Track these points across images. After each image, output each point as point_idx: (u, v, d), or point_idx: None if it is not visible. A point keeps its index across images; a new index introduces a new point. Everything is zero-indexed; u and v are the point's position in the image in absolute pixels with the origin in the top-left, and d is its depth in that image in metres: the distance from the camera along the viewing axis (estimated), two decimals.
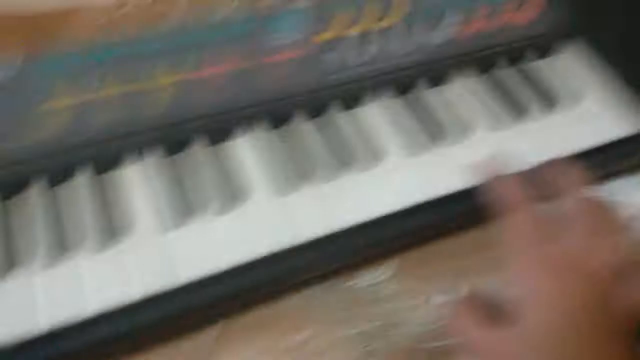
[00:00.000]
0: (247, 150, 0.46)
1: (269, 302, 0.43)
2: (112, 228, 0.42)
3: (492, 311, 0.38)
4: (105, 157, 0.45)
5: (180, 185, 0.44)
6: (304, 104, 0.48)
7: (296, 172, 0.45)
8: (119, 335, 0.38)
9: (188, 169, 0.45)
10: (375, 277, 0.45)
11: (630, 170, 0.53)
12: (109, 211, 0.43)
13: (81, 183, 0.44)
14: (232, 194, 0.44)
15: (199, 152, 0.46)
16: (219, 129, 0.47)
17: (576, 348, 0.34)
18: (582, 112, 0.51)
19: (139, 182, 0.45)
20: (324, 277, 0.44)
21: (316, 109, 0.49)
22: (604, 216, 0.39)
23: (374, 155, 0.47)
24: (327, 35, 0.49)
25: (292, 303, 0.43)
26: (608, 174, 0.52)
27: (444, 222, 0.46)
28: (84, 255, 0.41)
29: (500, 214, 0.39)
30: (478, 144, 0.48)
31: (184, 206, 0.43)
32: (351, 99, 0.50)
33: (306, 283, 0.44)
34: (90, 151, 0.44)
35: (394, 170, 0.46)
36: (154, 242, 0.41)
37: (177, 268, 0.40)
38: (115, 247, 0.41)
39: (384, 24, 0.51)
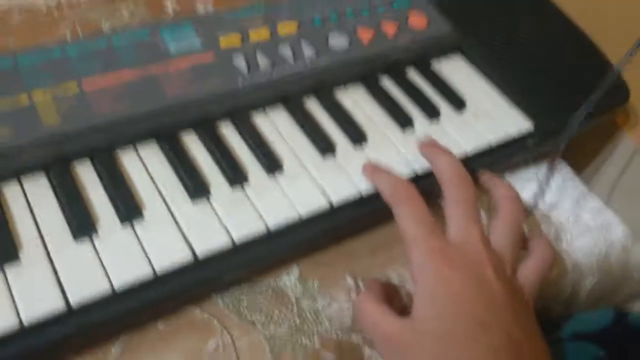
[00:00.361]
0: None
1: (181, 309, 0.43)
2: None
3: (397, 302, 0.41)
4: None
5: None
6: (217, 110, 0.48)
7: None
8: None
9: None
10: (287, 279, 0.46)
11: (522, 164, 0.59)
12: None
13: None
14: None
15: None
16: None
17: (463, 339, 0.35)
18: (478, 113, 0.55)
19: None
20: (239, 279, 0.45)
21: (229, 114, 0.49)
22: (472, 205, 0.41)
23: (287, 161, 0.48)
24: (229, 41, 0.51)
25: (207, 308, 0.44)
26: (503, 169, 0.57)
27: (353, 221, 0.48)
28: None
29: (392, 209, 0.41)
30: (387, 145, 0.51)
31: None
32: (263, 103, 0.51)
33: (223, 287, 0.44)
34: None
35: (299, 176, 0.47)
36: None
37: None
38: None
39: (284, 31, 0.53)
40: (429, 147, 0.47)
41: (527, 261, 0.41)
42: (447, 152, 0.46)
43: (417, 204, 0.41)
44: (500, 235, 0.41)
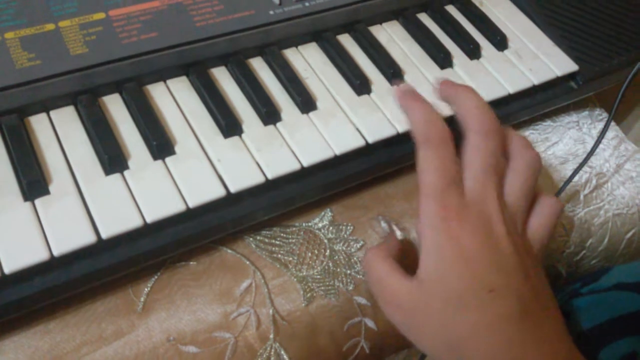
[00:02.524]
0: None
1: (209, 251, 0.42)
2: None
3: (406, 258, 0.38)
4: None
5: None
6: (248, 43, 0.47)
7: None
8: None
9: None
10: (320, 222, 0.45)
11: (561, 110, 0.56)
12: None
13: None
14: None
15: None
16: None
17: (472, 306, 0.33)
18: (521, 52, 0.52)
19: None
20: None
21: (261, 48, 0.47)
22: (494, 156, 0.37)
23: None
24: None
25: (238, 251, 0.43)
26: (544, 113, 0.54)
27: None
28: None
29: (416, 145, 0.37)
30: (425, 84, 0.48)
31: None
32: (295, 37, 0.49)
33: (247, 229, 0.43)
34: None
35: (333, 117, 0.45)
36: None
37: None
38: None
39: None
40: (451, 86, 0.41)
41: (537, 214, 0.38)
42: (473, 94, 0.40)
43: (445, 149, 0.36)
44: (515, 188, 0.38)
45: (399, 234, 0.45)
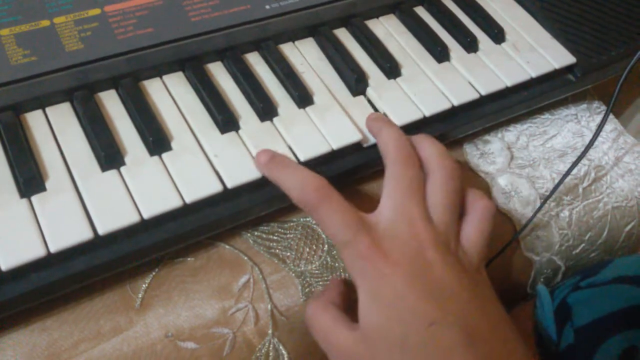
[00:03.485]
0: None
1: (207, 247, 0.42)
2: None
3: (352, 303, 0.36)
4: None
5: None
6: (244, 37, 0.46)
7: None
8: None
9: None
10: None
11: (560, 103, 0.56)
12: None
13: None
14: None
15: None
16: None
17: (416, 345, 0.32)
18: (518, 45, 0.52)
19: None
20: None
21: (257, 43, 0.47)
22: (415, 183, 0.37)
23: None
24: None
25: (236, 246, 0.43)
26: (542, 106, 0.54)
27: None
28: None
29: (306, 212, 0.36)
30: (422, 77, 0.48)
31: None
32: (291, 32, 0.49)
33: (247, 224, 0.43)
34: None
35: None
36: None
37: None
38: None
39: None
40: (375, 120, 0.42)
41: (468, 222, 0.37)
42: (393, 125, 0.41)
43: (333, 201, 0.35)
44: (438, 203, 0.36)
45: None
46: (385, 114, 0.44)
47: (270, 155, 0.38)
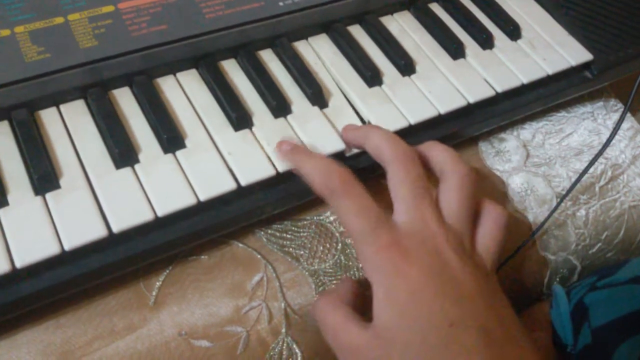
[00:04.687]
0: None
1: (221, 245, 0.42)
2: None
3: (364, 303, 0.35)
4: None
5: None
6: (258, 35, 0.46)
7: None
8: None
9: None
10: (332, 216, 0.45)
11: (576, 101, 0.55)
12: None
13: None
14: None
15: None
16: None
17: (435, 346, 0.31)
18: (534, 42, 0.52)
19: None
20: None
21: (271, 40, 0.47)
22: (420, 181, 0.36)
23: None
24: None
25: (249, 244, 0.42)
26: (558, 104, 0.53)
27: None
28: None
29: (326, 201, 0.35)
30: (437, 74, 0.48)
31: None
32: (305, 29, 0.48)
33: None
34: None
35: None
36: None
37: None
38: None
39: None
40: (355, 129, 0.41)
41: (483, 228, 0.37)
42: (377, 128, 0.40)
43: (356, 192, 0.34)
44: (453, 207, 0.36)
45: None
46: (400, 112, 0.44)
47: (294, 144, 0.38)
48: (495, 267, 0.37)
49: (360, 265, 0.35)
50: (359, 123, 0.43)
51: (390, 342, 0.32)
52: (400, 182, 0.35)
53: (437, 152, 0.38)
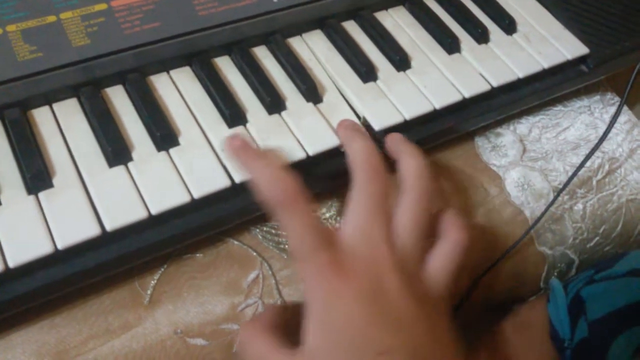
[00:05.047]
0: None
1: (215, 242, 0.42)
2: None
3: (292, 328, 0.34)
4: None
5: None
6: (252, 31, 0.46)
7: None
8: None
9: None
10: (327, 213, 0.45)
11: (573, 94, 0.55)
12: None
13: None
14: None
15: None
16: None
17: None
18: (530, 36, 0.51)
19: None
20: None
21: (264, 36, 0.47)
22: (379, 200, 0.35)
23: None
24: None
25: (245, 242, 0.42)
26: (554, 98, 0.53)
27: None
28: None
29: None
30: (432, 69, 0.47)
31: None
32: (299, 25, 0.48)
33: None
34: None
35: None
36: None
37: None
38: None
39: None
40: (346, 129, 0.40)
41: (439, 249, 0.36)
42: (364, 137, 0.38)
43: (301, 207, 0.32)
44: (407, 223, 0.35)
45: None
46: (395, 107, 0.44)
47: (245, 141, 0.36)
48: (447, 288, 0.35)
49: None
50: (354, 119, 0.43)
51: None
52: (359, 195, 0.35)
53: (405, 161, 0.37)
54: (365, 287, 0.31)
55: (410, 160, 0.37)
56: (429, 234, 0.36)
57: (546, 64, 0.49)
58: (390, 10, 0.51)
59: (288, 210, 0.33)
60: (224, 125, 0.41)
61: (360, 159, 0.36)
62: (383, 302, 0.31)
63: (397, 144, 0.39)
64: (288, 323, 0.35)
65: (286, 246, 0.42)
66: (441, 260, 0.35)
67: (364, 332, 0.30)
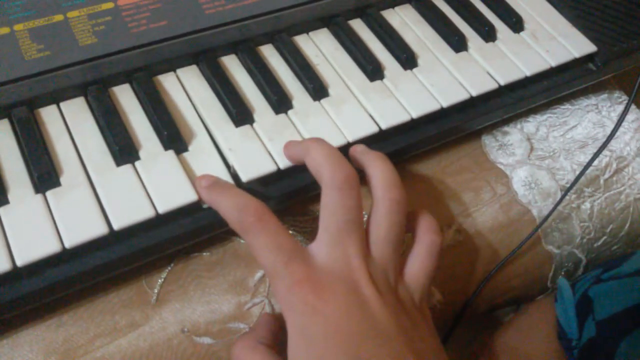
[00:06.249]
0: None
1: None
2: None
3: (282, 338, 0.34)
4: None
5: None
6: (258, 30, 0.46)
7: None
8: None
9: None
10: None
11: (581, 93, 0.55)
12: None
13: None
14: None
15: None
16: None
17: None
18: (537, 34, 0.51)
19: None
20: None
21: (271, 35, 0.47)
22: (352, 211, 0.34)
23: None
24: None
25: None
26: (562, 97, 0.53)
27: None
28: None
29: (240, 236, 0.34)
30: (439, 68, 0.47)
31: None
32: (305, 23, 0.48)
33: None
34: None
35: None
36: None
37: None
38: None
39: None
40: (295, 144, 0.38)
41: (413, 257, 0.36)
42: (319, 142, 0.36)
43: (270, 227, 0.32)
44: (381, 234, 0.34)
45: None
46: (402, 106, 0.44)
47: (213, 180, 0.37)
48: (425, 295, 0.35)
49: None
50: (364, 117, 0.43)
51: None
52: (331, 212, 0.33)
53: (374, 172, 0.36)
54: (343, 300, 0.31)
55: (378, 171, 0.36)
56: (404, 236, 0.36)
57: (554, 62, 0.49)
58: (397, 8, 0.51)
59: (256, 231, 0.32)
60: (230, 124, 0.41)
61: (325, 167, 0.35)
62: (361, 315, 0.31)
63: (361, 155, 0.38)
64: (278, 334, 0.35)
65: None
66: (417, 266, 0.35)
67: (347, 346, 0.30)
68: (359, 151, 0.39)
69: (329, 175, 0.34)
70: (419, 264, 0.35)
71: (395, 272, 0.34)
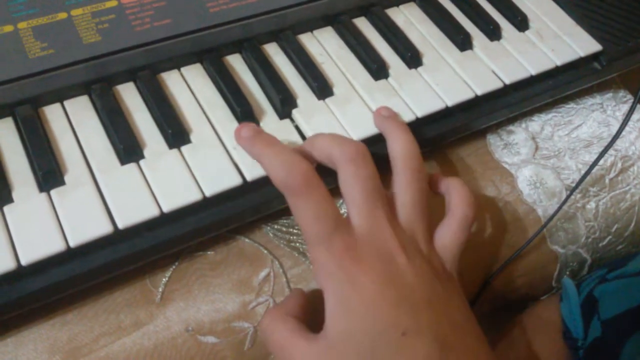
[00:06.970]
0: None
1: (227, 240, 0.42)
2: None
3: (311, 316, 0.34)
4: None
5: None
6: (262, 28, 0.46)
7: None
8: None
9: None
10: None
11: (585, 92, 0.55)
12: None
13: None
14: None
15: None
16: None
17: (387, 356, 0.30)
18: (542, 32, 0.51)
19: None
20: None
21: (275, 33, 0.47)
22: (372, 182, 0.34)
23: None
24: None
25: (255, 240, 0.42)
26: (567, 95, 0.53)
27: None
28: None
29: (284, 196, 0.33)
30: (444, 66, 0.47)
31: None
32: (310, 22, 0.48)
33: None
34: None
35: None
36: None
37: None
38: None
39: None
40: (299, 150, 0.38)
41: (445, 227, 0.36)
42: (320, 134, 0.37)
43: (317, 192, 0.32)
44: (406, 207, 0.35)
45: None
46: (407, 105, 0.43)
47: (255, 130, 0.36)
48: (456, 266, 0.36)
49: (315, 272, 0.33)
50: (366, 115, 0.42)
51: (342, 354, 0.31)
52: (350, 184, 0.34)
53: (393, 143, 0.37)
54: (380, 270, 0.32)
55: (399, 142, 0.37)
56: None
57: (559, 61, 0.48)
58: (401, 7, 0.51)
59: (303, 195, 0.32)
60: (235, 123, 0.41)
61: (337, 148, 0.35)
62: (398, 283, 0.32)
63: (384, 121, 0.39)
64: (307, 309, 0.35)
65: (297, 244, 0.42)
66: (449, 236, 0.36)
67: (386, 314, 0.31)
68: (384, 114, 0.40)
69: (339, 153, 0.34)
70: (451, 234, 0.36)
71: (425, 239, 0.35)
